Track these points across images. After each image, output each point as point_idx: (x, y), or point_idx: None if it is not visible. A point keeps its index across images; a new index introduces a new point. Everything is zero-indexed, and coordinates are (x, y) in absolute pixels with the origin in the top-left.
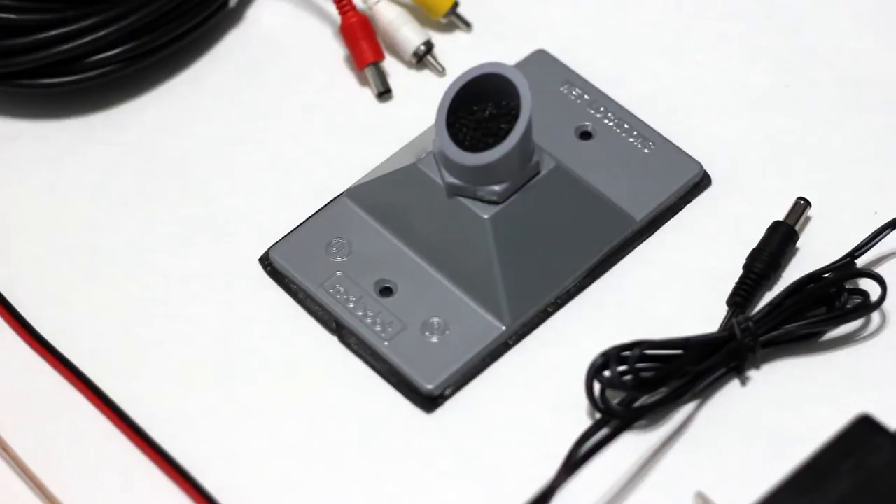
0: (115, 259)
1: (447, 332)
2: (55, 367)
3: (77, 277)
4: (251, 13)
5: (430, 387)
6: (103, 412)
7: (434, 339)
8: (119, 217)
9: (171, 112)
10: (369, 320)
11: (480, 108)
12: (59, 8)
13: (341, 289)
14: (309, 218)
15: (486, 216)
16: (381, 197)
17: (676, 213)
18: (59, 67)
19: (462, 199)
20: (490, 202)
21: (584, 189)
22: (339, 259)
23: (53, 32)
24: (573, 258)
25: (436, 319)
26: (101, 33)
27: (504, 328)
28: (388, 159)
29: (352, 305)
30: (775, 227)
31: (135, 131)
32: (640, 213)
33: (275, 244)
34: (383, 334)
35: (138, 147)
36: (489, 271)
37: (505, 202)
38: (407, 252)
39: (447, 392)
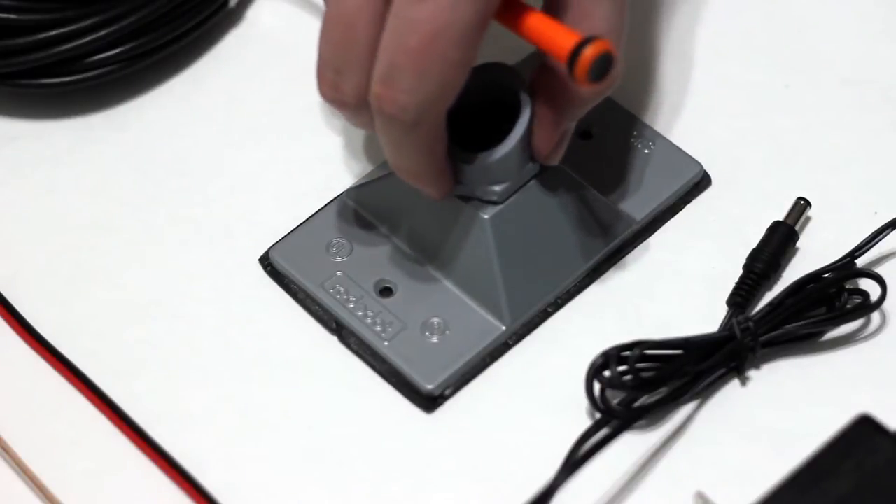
0: (114, 259)
1: (447, 332)
2: (55, 367)
3: (77, 277)
4: (251, 13)
5: (430, 387)
6: (103, 412)
7: (434, 339)
8: (119, 217)
9: (171, 112)
10: (369, 320)
11: (480, 107)
12: (59, 8)
13: (341, 289)
14: (309, 218)
15: (486, 216)
16: (382, 197)
17: (676, 212)
18: (59, 67)
19: (462, 200)
20: (490, 202)
21: (584, 189)
22: (340, 259)
23: (53, 32)
24: (573, 258)
25: (436, 319)
26: (101, 33)
27: (504, 328)
28: None
29: (352, 305)
30: (775, 227)
31: (135, 131)
32: (641, 213)
33: (275, 244)
34: (383, 334)
35: (138, 147)
36: (489, 271)
37: (505, 202)
38: (407, 252)
39: (447, 392)
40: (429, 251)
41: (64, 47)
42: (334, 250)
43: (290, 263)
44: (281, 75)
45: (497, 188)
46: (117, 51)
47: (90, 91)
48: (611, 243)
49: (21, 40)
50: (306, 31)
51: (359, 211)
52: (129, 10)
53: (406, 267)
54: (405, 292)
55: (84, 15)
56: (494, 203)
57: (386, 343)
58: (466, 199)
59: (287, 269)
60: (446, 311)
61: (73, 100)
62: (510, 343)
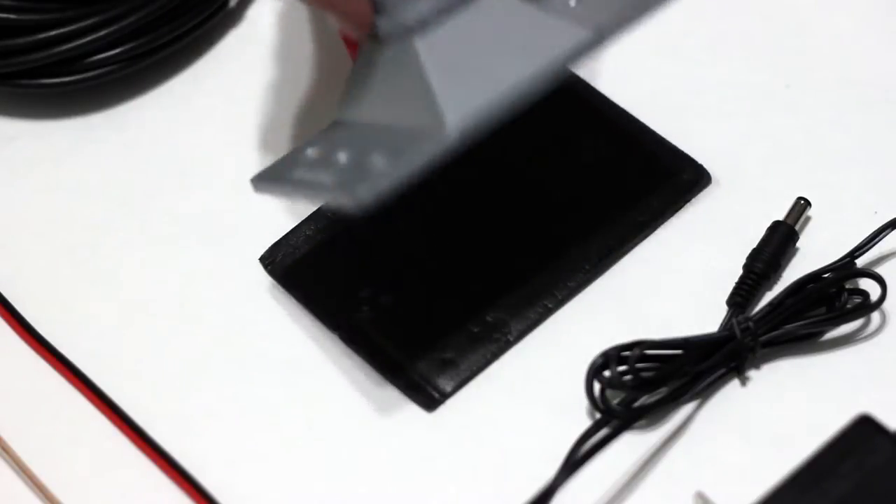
0: (115, 259)
1: (390, 156)
2: (55, 367)
3: (77, 277)
4: (251, 13)
5: (363, 196)
6: (103, 412)
7: (378, 163)
8: (119, 217)
9: (171, 112)
10: (323, 178)
11: None
12: (59, 8)
13: (305, 166)
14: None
15: (415, 43)
16: (350, 85)
17: (676, 212)
18: (59, 67)
19: (391, 35)
20: (418, 29)
21: (526, 7)
22: (308, 151)
23: (53, 32)
24: (520, 64)
25: (379, 152)
26: (101, 33)
27: (448, 132)
28: None
29: (303, 170)
30: (775, 227)
31: (135, 131)
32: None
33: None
34: (328, 182)
35: (138, 147)
36: (425, 92)
37: (436, 28)
38: (358, 117)
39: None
40: (373, 100)
41: (64, 47)
42: (309, 150)
43: (267, 171)
44: (281, 75)
45: (421, 7)
46: (117, 51)
47: (90, 91)
48: (565, 55)
49: (21, 40)
50: (306, 31)
51: (339, 120)
52: (129, 10)
53: (357, 127)
54: (352, 145)
55: (84, 15)
56: (423, 29)
57: (329, 181)
58: (396, 35)
59: (263, 185)
60: (391, 142)
61: (73, 100)
62: (458, 154)
